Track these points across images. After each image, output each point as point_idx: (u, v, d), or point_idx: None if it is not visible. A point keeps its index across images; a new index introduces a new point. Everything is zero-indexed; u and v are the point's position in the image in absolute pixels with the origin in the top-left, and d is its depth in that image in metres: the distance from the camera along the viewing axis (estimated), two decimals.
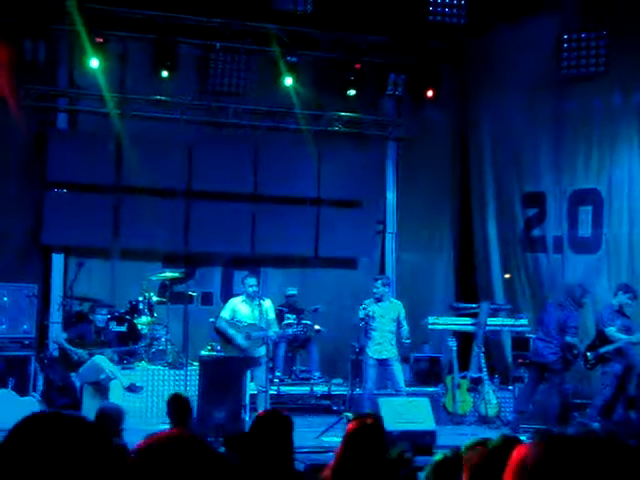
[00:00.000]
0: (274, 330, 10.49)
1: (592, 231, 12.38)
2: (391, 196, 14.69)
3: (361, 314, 10.43)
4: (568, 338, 10.69)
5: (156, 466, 1.82)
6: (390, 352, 10.52)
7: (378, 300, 10.58)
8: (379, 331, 10.51)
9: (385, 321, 10.53)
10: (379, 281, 10.78)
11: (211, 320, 11.58)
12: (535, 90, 12.88)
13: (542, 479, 1.74)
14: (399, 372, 10.62)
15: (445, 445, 8.56)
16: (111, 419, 6.66)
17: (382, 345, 10.51)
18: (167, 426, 7.37)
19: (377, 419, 4.22)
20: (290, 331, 11.36)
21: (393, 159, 14.75)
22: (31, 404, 10.44)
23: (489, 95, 13.75)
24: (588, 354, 10.64)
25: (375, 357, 10.51)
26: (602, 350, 10.46)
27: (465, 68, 14.23)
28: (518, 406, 11.29)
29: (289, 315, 12.67)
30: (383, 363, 10.54)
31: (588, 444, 1.76)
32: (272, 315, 10.68)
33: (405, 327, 10.53)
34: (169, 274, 12.25)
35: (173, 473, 1.82)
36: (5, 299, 11.26)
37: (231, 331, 10.31)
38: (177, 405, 7.11)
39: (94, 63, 12.43)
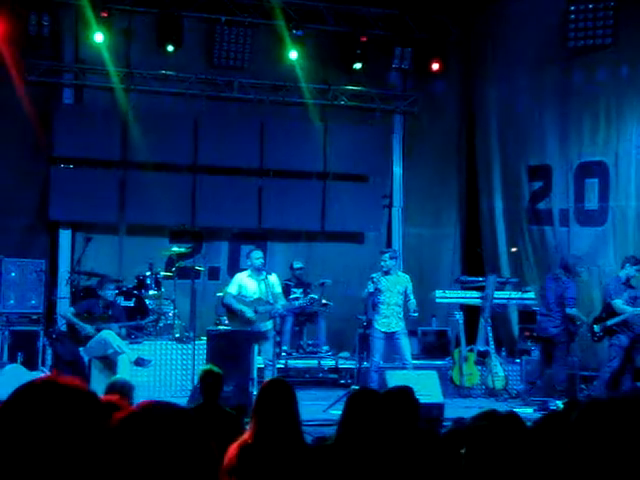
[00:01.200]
0: (281, 303, 10.51)
1: (598, 204, 12.35)
2: (397, 170, 14.66)
3: (370, 287, 10.44)
4: (568, 310, 10.73)
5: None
6: (397, 325, 10.53)
7: (386, 273, 10.58)
8: (386, 304, 10.52)
9: (392, 294, 10.53)
10: (386, 254, 10.78)
11: (218, 295, 11.63)
12: (542, 62, 12.81)
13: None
14: (406, 345, 10.64)
15: (453, 418, 8.61)
16: (120, 393, 6.68)
17: (389, 318, 10.52)
18: (175, 400, 7.39)
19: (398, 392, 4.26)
20: (297, 303, 11.37)
21: (399, 133, 14.71)
22: None
23: (495, 68, 13.68)
24: (595, 327, 10.65)
25: (383, 330, 10.53)
26: (609, 323, 10.46)
27: (471, 41, 14.15)
28: (528, 377, 11.38)
29: (295, 289, 12.70)
30: (390, 336, 10.56)
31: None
32: (278, 289, 10.69)
33: (412, 300, 10.51)
34: (176, 249, 12.27)
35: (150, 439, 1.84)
36: (13, 274, 11.30)
37: (239, 306, 10.33)
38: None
39: (99, 37, 12.40)
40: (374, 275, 10.58)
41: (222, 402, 8.57)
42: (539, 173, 13.14)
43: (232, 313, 10.48)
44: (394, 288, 10.56)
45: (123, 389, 6.81)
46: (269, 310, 10.32)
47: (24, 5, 12.10)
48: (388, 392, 4.75)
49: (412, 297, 10.54)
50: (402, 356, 10.58)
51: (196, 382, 10.23)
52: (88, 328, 10.20)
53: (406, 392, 4.63)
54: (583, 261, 11.14)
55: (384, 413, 3.45)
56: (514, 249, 13.29)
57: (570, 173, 12.65)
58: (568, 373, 10.90)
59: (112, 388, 6.89)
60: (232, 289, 10.57)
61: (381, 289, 10.49)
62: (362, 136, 14.12)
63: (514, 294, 12.20)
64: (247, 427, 4.62)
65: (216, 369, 7.11)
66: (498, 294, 12.12)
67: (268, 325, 10.43)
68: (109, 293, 10.65)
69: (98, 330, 10.18)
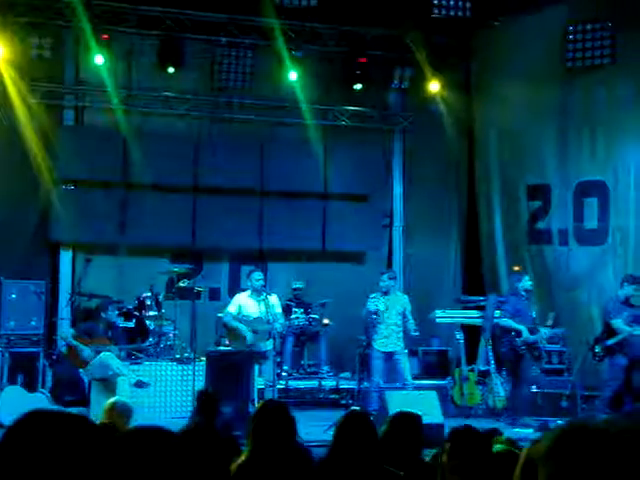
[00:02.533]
0: (280, 322, 10.52)
1: (598, 223, 12.37)
2: (398, 190, 14.69)
3: (371, 307, 10.46)
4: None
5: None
6: (396, 345, 10.55)
7: (385, 294, 10.61)
8: (385, 324, 10.54)
9: (391, 314, 10.57)
10: (385, 275, 10.82)
11: (219, 315, 11.63)
12: (540, 82, 12.85)
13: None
14: (406, 365, 10.65)
15: None
16: (120, 416, 6.68)
17: (388, 338, 10.54)
18: (175, 420, 7.40)
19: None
20: (296, 322, 11.38)
21: (399, 152, 14.75)
22: (40, 400, 10.50)
23: (494, 87, 13.72)
24: (596, 347, 10.63)
25: (382, 350, 10.54)
26: (609, 342, 10.45)
27: (470, 60, 14.20)
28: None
29: (296, 309, 12.70)
30: (390, 356, 10.56)
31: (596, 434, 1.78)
32: (279, 309, 10.71)
33: (411, 320, 10.55)
34: (176, 270, 12.27)
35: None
36: (14, 295, 11.30)
37: (236, 324, 10.36)
38: (205, 400, 7.10)
39: (99, 60, 12.48)
40: (373, 295, 10.59)
41: (222, 423, 8.59)
42: (538, 192, 13.16)
43: (232, 333, 10.49)
44: (393, 308, 10.58)
45: (122, 411, 6.82)
46: (269, 330, 10.33)
47: (25, 28, 12.18)
48: (395, 417, 4.72)
49: (411, 317, 10.58)
50: (402, 376, 10.58)
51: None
52: (87, 351, 10.19)
53: (413, 419, 4.60)
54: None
55: (375, 438, 3.45)
56: (517, 268, 13.27)
57: (569, 192, 12.68)
58: (524, 392, 10.81)
59: (111, 410, 6.90)
60: (232, 309, 10.59)
61: (380, 309, 10.51)
62: (362, 156, 14.16)
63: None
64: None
65: (210, 390, 7.13)
66: (498, 313, 12.10)
67: (268, 345, 10.44)
68: (112, 315, 10.67)
69: (98, 352, 10.18)
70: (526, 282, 10.94)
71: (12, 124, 12.49)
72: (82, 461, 1.81)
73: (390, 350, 10.54)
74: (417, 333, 10.73)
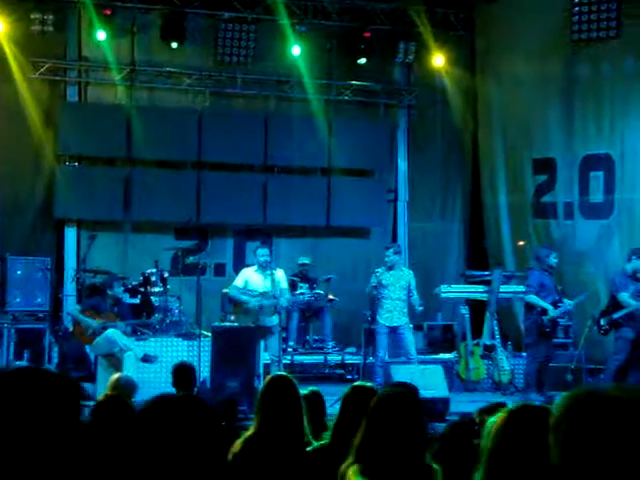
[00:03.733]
0: (286, 297, 10.53)
1: (604, 196, 12.33)
2: (402, 165, 14.64)
3: (374, 281, 10.47)
4: (525, 297, 10.81)
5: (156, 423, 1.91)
6: (401, 320, 10.57)
7: (390, 268, 10.61)
8: (390, 299, 10.55)
9: (396, 289, 10.57)
10: (390, 249, 10.80)
11: (224, 291, 11.64)
12: (546, 55, 12.78)
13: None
14: (410, 340, 10.67)
15: (458, 412, 8.61)
16: (123, 391, 6.70)
17: (393, 313, 10.55)
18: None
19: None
20: (301, 297, 11.39)
21: (404, 127, 14.69)
22: None
23: (499, 61, 13.64)
24: (601, 320, 10.63)
25: (387, 325, 10.56)
26: (615, 316, 10.43)
27: (475, 34, 14.11)
28: None
29: (302, 284, 12.69)
30: (394, 331, 10.58)
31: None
32: (284, 285, 10.71)
33: (415, 296, 10.58)
34: (181, 246, 12.27)
35: (172, 429, 1.91)
36: (19, 272, 11.33)
37: (242, 296, 10.38)
38: (181, 374, 7.15)
39: (101, 35, 12.43)
40: (378, 270, 10.59)
41: (227, 397, 8.62)
42: (543, 166, 13.11)
43: (237, 307, 10.51)
44: (397, 283, 10.59)
45: (125, 387, 6.85)
46: (274, 304, 10.34)
47: (28, 3, 12.12)
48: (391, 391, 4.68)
49: (415, 292, 10.61)
50: (407, 351, 10.59)
51: (202, 378, 10.29)
52: (94, 325, 10.22)
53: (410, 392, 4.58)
54: (556, 253, 11.09)
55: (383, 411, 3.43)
56: (521, 243, 13.25)
57: (575, 166, 12.63)
58: (538, 366, 10.81)
59: (115, 385, 6.93)
60: (238, 282, 10.61)
61: (385, 284, 10.51)
62: (366, 131, 14.11)
63: (519, 288, 12.16)
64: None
65: (188, 363, 7.21)
66: (504, 288, 12.11)
67: (274, 320, 10.46)
68: (117, 291, 10.69)
69: (104, 328, 10.21)
70: (554, 258, 10.91)
71: (15, 100, 12.47)
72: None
73: (395, 325, 10.56)
74: (422, 308, 10.75)
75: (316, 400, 5.39)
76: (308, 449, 4.15)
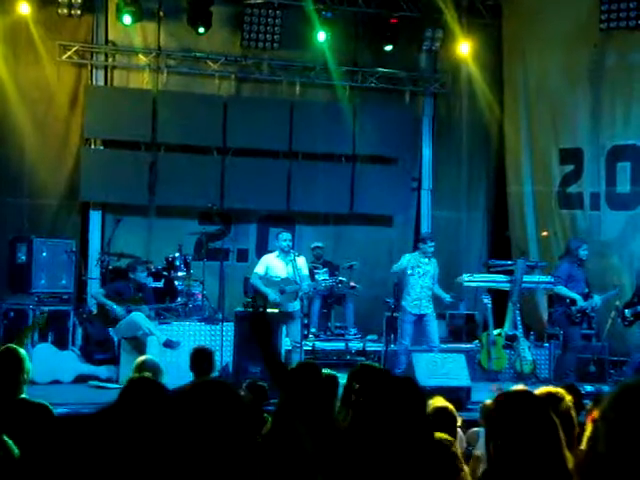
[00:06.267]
0: (307, 283, 10.56)
1: (631, 187, 12.24)
2: (427, 152, 14.60)
3: (405, 264, 10.49)
4: (555, 288, 10.76)
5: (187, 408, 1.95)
6: (428, 308, 10.64)
7: (426, 257, 10.66)
8: (419, 287, 10.61)
9: (426, 278, 10.65)
10: (432, 242, 10.81)
11: (247, 277, 11.67)
12: (573, 44, 12.68)
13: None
14: (435, 328, 10.72)
15: (480, 401, 8.59)
16: (148, 374, 6.73)
17: (421, 301, 10.61)
18: None
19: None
20: (323, 283, 11.40)
21: (429, 115, 14.63)
22: (70, 358, 10.64)
23: (526, 49, 13.54)
24: (626, 311, 10.58)
25: (414, 312, 10.59)
26: None
27: (502, 22, 14.00)
28: None
29: (319, 270, 12.68)
30: (420, 319, 10.62)
31: None
32: (306, 271, 10.73)
33: (437, 285, 10.67)
34: (205, 231, 12.30)
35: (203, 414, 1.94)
36: (44, 254, 11.39)
37: (264, 288, 10.40)
38: (199, 358, 7.17)
39: (127, 20, 12.46)
40: (409, 256, 10.67)
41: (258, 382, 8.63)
42: (570, 156, 13.02)
43: (260, 295, 10.53)
44: (427, 272, 10.65)
45: (151, 369, 6.88)
46: (296, 290, 10.37)
47: None
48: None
49: (437, 283, 10.70)
50: (430, 339, 10.62)
51: (224, 363, 10.34)
52: (118, 309, 10.29)
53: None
54: (586, 245, 11.04)
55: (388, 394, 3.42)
56: (545, 233, 13.18)
57: (602, 156, 12.55)
58: (575, 358, 10.78)
59: (140, 368, 6.96)
60: (259, 269, 10.63)
61: (416, 271, 10.56)
62: (391, 118, 14.05)
63: (543, 278, 12.11)
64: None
65: (206, 347, 7.22)
66: (527, 278, 12.04)
67: (296, 306, 10.48)
68: (141, 275, 10.74)
69: (128, 312, 10.27)
70: (583, 250, 10.88)
71: (41, 84, 12.54)
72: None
73: (422, 312, 10.61)
74: (453, 300, 10.88)
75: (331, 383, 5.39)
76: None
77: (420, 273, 10.64)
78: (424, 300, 10.64)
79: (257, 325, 4.26)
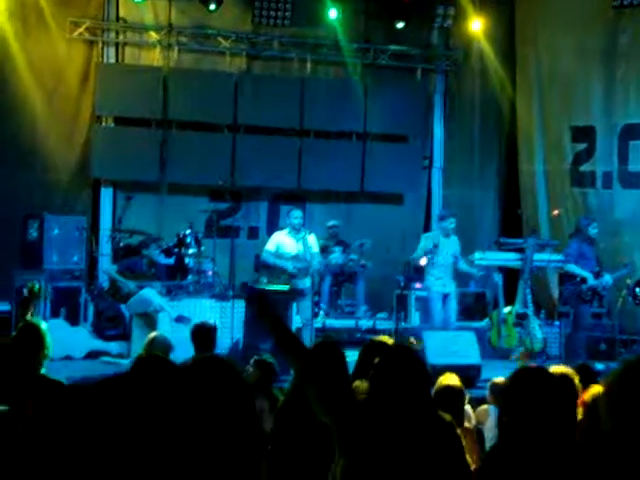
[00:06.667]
0: (318, 260, 10.57)
1: None
2: (438, 131, 14.55)
3: (429, 245, 10.47)
4: (565, 266, 10.75)
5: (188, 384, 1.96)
6: (451, 286, 10.67)
7: (446, 235, 10.66)
8: (443, 266, 10.62)
9: (448, 256, 10.66)
10: (453, 218, 10.78)
11: (257, 254, 11.69)
12: (587, 21, 12.59)
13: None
14: (454, 307, 10.79)
15: (490, 379, 8.60)
16: (159, 350, 6.77)
17: (444, 279, 10.62)
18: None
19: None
20: (334, 261, 11.41)
21: (440, 93, 14.57)
22: (82, 334, 10.70)
23: (539, 26, 13.45)
24: (637, 289, 10.56)
25: (440, 291, 10.59)
26: None
27: None
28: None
29: (335, 248, 12.70)
30: (444, 297, 10.62)
31: None
32: (316, 249, 10.74)
33: (461, 261, 10.64)
34: (216, 208, 12.31)
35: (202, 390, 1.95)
36: (56, 231, 11.43)
37: (278, 261, 10.43)
38: (201, 334, 7.19)
39: None
40: (431, 234, 10.67)
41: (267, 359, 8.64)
42: (583, 134, 12.97)
43: (270, 270, 10.55)
44: (450, 250, 10.66)
45: (161, 345, 6.93)
46: (307, 267, 10.38)
47: None
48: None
49: (461, 259, 10.75)
50: (448, 317, 10.63)
51: (235, 340, 10.38)
52: (131, 285, 10.33)
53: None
54: (596, 223, 11.01)
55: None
56: (556, 212, 13.14)
57: (615, 135, 12.49)
58: (586, 336, 10.78)
59: (151, 344, 7.01)
60: (270, 247, 10.65)
61: (438, 251, 10.55)
62: (403, 96, 14.00)
63: (554, 256, 12.08)
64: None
65: (208, 323, 7.23)
66: (538, 256, 12.00)
67: (306, 283, 10.50)
68: (154, 252, 10.77)
69: (140, 288, 10.31)
70: (593, 229, 10.85)
71: (52, 60, 12.53)
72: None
73: (447, 291, 10.62)
74: (481, 272, 10.97)
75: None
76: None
77: (442, 252, 10.63)
78: (447, 278, 10.65)
79: (254, 300, 4.23)
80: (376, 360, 3.40)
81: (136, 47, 13.35)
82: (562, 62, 13.10)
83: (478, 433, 5.82)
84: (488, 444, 5.51)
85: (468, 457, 3.53)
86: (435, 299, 10.61)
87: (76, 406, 1.89)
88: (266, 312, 3.67)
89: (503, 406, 3.03)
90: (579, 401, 3.85)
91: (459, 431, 3.85)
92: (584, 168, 12.98)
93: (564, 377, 3.64)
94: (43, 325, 4.99)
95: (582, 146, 13.00)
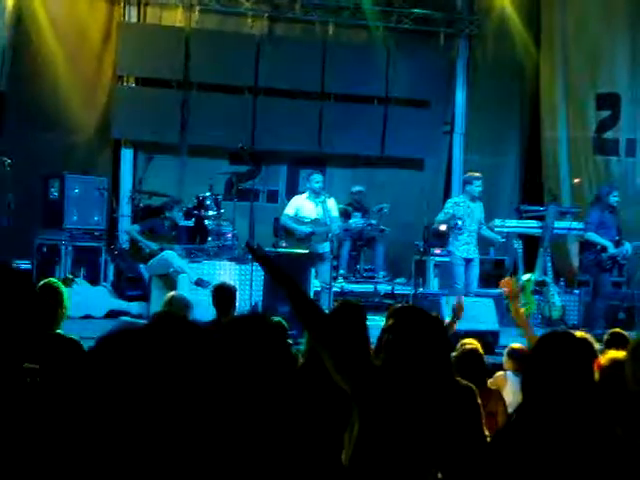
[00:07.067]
0: (337, 224, 10.56)
1: None
2: (460, 96, 14.43)
3: (456, 211, 10.38)
4: (585, 235, 10.70)
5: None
6: (475, 252, 10.58)
7: (472, 200, 10.53)
8: (467, 231, 10.48)
9: (473, 221, 10.52)
10: (479, 180, 10.65)
11: (276, 217, 11.69)
12: None
13: None
14: (477, 273, 10.71)
15: (507, 345, 8.61)
16: (178, 309, 6.80)
17: (469, 245, 10.52)
18: None
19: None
20: (353, 225, 11.39)
21: (463, 58, 14.43)
22: (102, 293, 10.77)
23: None
24: None
25: (464, 257, 10.52)
26: None
27: None
28: None
29: (356, 213, 12.67)
30: (468, 263, 10.56)
31: None
32: (335, 213, 10.73)
33: (484, 227, 10.55)
34: (235, 171, 12.30)
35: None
36: (76, 191, 11.47)
37: (294, 225, 10.44)
38: (221, 295, 7.20)
39: None
40: (455, 200, 10.58)
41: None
42: (607, 101, 12.84)
43: (289, 234, 10.56)
44: (475, 215, 10.54)
45: (180, 304, 6.95)
46: (326, 231, 10.38)
47: None
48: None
49: (484, 225, 10.59)
50: (471, 282, 10.57)
51: (254, 302, 10.41)
52: (152, 246, 10.35)
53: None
54: (617, 192, 10.91)
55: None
56: (577, 180, 13.05)
57: (639, 102, 12.36)
58: (606, 305, 10.75)
59: (169, 303, 7.04)
60: (289, 211, 10.65)
61: (464, 215, 10.43)
62: (425, 61, 13.90)
63: (575, 224, 12.01)
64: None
65: (227, 284, 7.25)
66: (558, 224, 11.95)
67: (326, 247, 10.51)
68: (177, 215, 10.79)
69: (161, 249, 10.34)
70: (614, 197, 10.77)
71: (75, 20, 12.48)
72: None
73: (471, 257, 10.54)
74: (503, 240, 10.93)
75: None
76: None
77: (468, 217, 10.52)
78: (472, 245, 10.56)
79: (251, 251, 4.17)
80: (390, 322, 3.37)
81: (158, 7, 13.28)
82: (588, 28, 12.95)
83: None
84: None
85: (496, 418, 3.54)
86: (458, 264, 10.54)
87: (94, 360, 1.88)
88: (266, 261, 3.66)
89: (527, 369, 3.03)
90: (595, 366, 3.86)
91: (478, 399, 3.86)
92: (607, 136, 12.87)
93: (585, 341, 3.64)
94: (62, 285, 5.03)
95: (606, 113, 12.88)
